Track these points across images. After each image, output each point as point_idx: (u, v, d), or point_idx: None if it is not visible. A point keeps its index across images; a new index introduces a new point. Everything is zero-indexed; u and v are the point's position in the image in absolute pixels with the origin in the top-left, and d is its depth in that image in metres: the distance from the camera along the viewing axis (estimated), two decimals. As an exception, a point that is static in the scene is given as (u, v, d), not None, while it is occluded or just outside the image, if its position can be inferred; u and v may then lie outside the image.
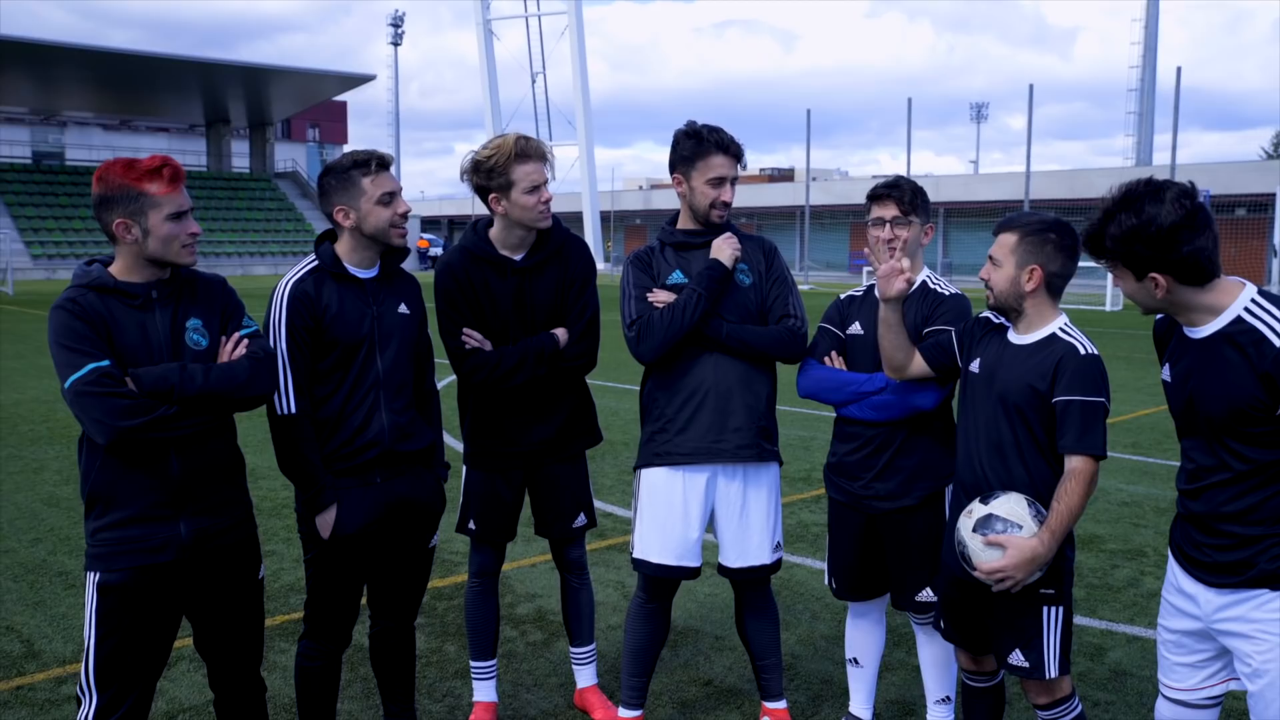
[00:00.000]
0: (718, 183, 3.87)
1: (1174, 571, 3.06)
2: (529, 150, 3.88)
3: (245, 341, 3.16)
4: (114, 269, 3.05)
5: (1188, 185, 2.78)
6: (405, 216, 3.57)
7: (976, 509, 3.19)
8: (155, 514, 3.01)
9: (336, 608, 3.63)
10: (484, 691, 4.32)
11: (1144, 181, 2.80)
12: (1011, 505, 3.15)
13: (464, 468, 4.20)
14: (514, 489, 4.14)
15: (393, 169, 3.58)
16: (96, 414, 2.86)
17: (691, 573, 3.98)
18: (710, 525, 4.00)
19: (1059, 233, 3.28)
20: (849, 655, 4.22)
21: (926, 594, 3.82)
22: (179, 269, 3.10)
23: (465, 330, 3.97)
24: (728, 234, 3.94)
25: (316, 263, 3.56)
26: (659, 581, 4.03)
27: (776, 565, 4.05)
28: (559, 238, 4.08)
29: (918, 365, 3.63)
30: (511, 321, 3.99)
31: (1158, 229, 2.72)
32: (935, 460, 3.78)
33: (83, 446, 3.04)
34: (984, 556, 3.11)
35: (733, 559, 4.00)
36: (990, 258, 3.34)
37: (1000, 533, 3.10)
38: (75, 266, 3.09)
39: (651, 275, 3.98)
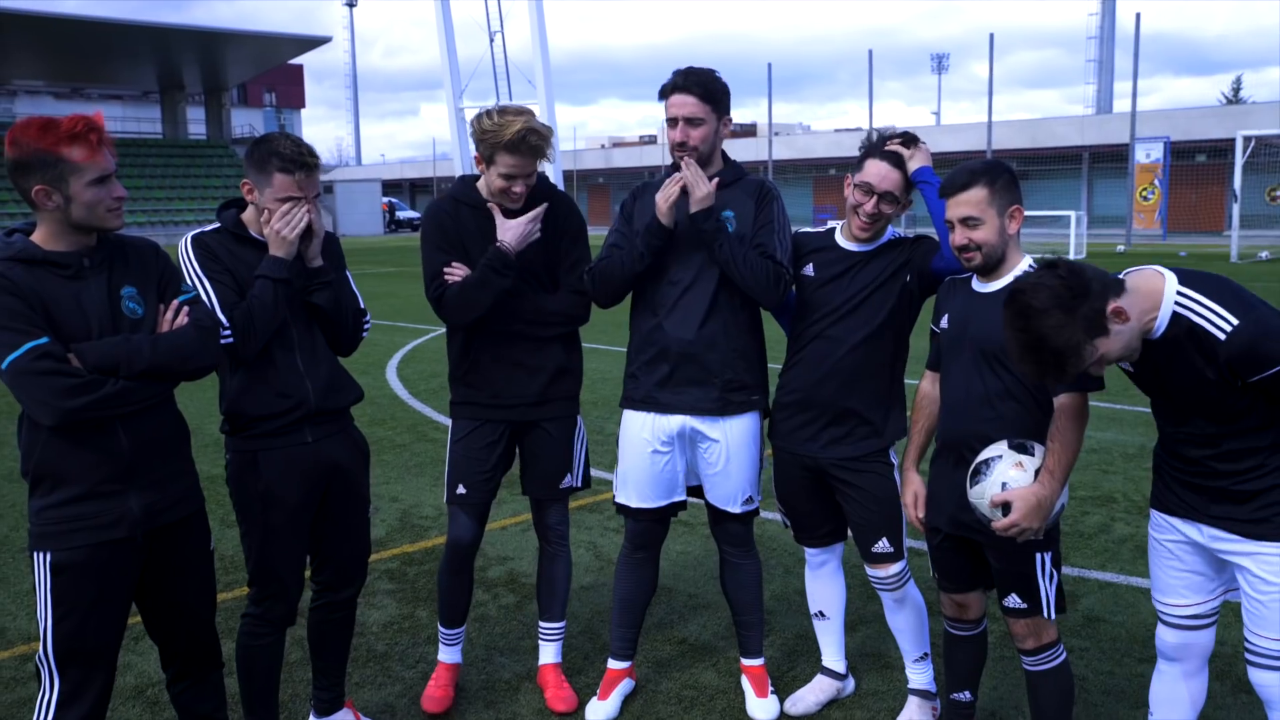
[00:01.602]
0: (672, 123, 3.80)
1: (1167, 520, 3.05)
2: (521, 146, 3.72)
3: (186, 309, 3.07)
4: (37, 238, 2.91)
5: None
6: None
7: (973, 469, 3.17)
8: (106, 489, 2.92)
9: (278, 577, 3.55)
10: (449, 654, 4.29)
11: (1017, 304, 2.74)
12: (1002, 465, 3.10)
13: (449, 439, 4.14)
14: (502, 448, 4.05)
15: (315, 146, 3.46)
16: (40, 395, 2.75)
17: (677, 507, 4.03)
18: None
19: (1006, 169, 3.30)
20: (813, 609, 4.22)
21: (883, 544, 3.82)
22: (106, 234, 2.99)
23: (451, 266, 3.87)
24: (679, 177, 3.71)
25: (219, 226, 3.50)
26: (643, 529, 4.05)
27: (746, 516, 4.05)
28: (545, 191, 4.01)
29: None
30: None
31: (1055, 354, 2.69)
32: (880, 415, 3.82)
33: (22, 423, 2.92)
34: (995, 516, 3.09)
35: (710, 498, 4.05)
36: (964, 221, 3.23)
37: (1003, 489, 3.07)
38: None
39: (633, 225, 3.93)
